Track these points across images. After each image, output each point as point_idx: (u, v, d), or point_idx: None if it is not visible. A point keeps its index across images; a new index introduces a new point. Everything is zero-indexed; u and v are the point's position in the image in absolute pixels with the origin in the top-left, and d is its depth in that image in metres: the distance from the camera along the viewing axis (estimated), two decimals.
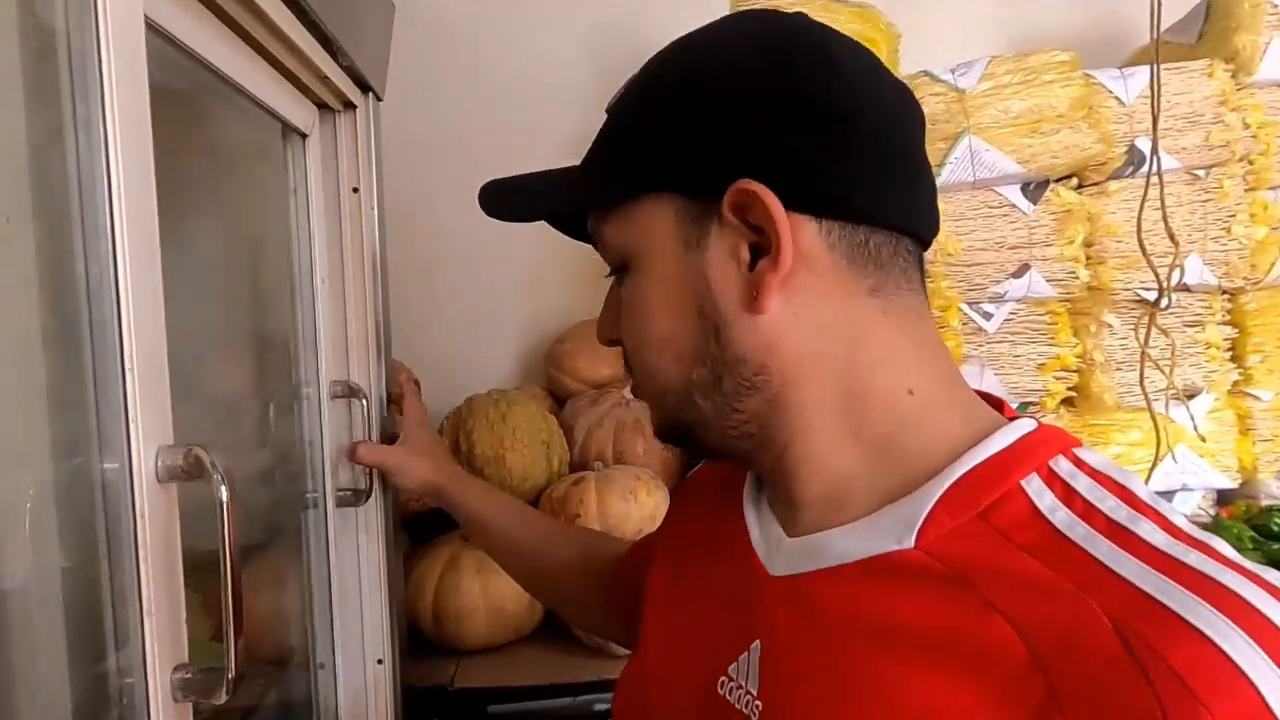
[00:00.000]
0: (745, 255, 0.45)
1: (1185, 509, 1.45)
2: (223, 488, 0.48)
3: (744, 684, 0.47)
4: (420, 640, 1.33)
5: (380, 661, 1.07)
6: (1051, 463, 0.40)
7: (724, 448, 0.49)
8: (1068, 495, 0.39)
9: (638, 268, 0.48)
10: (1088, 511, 0.38)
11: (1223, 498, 1.48)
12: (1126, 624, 0.32)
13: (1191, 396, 1.40)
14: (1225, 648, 0.31)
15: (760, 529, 0.50)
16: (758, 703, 0.45)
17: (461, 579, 1.30)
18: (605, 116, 0.53)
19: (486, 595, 1.29)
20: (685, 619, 0.54)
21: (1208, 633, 0.31)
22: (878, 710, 0.38)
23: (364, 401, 0.97)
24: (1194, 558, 0.34)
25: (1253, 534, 1.33)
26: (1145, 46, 1.62)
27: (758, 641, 0.47)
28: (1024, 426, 0.43)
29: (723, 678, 0.48)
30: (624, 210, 0.49)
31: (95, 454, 0.47)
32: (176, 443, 0.50)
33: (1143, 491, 0.39)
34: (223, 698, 0.48)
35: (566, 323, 1.77)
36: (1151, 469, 1.33)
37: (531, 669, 1.27)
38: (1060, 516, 0.38)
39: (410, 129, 1.72)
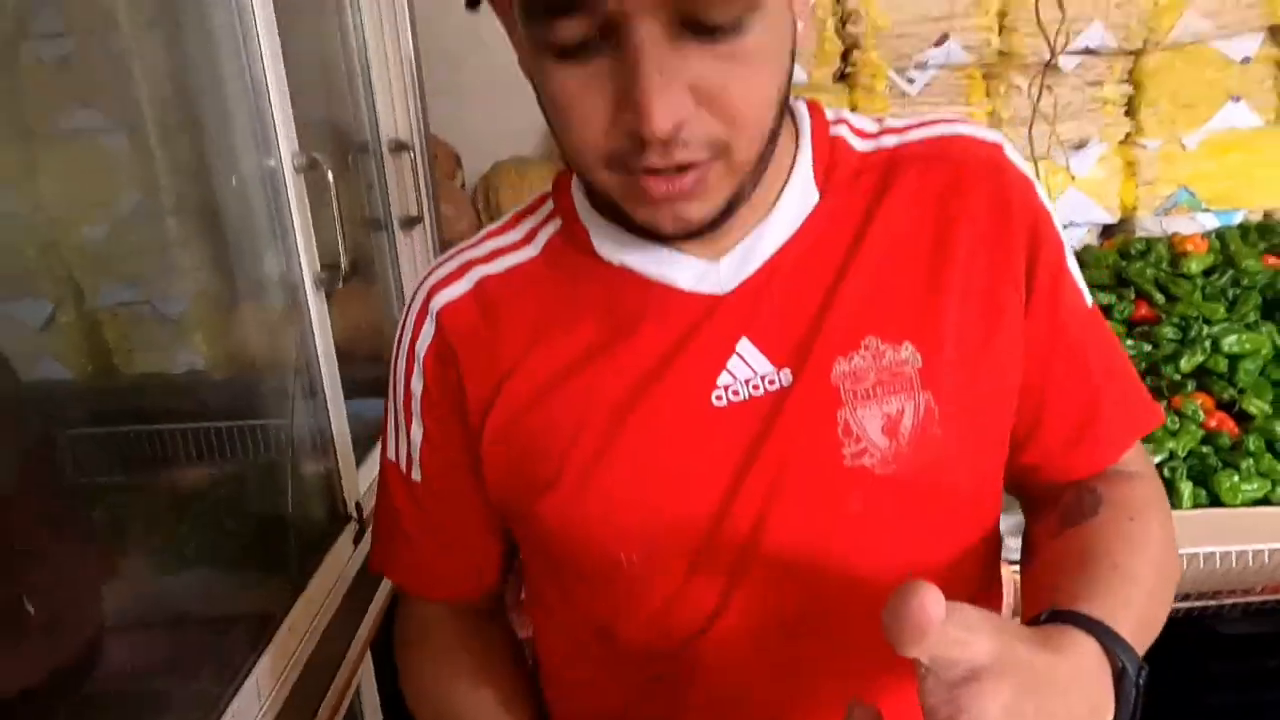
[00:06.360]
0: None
1: (1073, 240, 1.78)
2: (329, 172, 0.90)
3: (752, 375, 0.53)
4: None
5: None
6: (833, 116, 0.59)
7: (746, 194, 0.51)
8: (853, 130, 0.59)
9: (761, 16, 0.44)
10: (868, 134, 0.59)
11: (1107, 231, 1.80)
12: (926, 143, 0.57)
13: (1081, 146, 1.69)
14: (963, 130, 0.57)
15: (689, 274, 0.55)
16: (781, 371, 0.53)
17: None
18: None
19: None
20: (623, 386, 0.54)
21: (951, 131, 0.57)
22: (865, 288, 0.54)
23: (411, 153, 1.38)
24: (923, 118, 0.59)
25: (1117, 257, 1.67)
26: None
27: (743, 338, 0.53)
28: (802, 104, 0.58)
29: (716, 391, 0.53)
30: None
31: (261, 154, 0.90)
32: (300, 150, 0.91)
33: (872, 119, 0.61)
34: (339, 284, 0.93)
35: None
36: None
37: None
38: (857, 142, 0.58)
39: None
